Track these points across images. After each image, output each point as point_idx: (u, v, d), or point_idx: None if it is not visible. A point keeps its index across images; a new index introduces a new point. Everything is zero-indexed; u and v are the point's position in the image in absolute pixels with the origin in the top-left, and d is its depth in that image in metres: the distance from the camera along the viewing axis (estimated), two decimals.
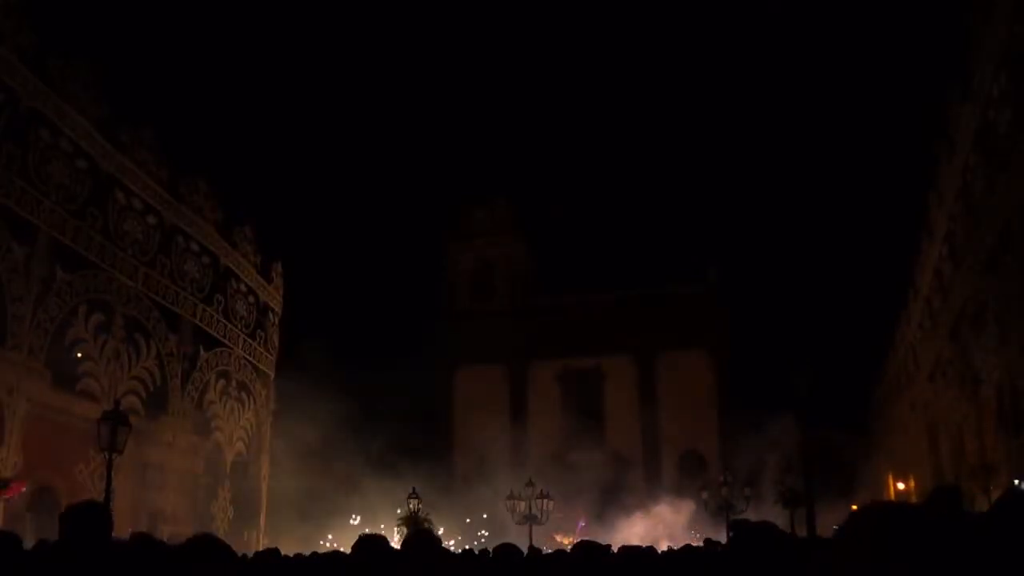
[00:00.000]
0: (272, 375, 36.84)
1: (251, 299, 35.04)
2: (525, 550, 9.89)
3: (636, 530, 39.79)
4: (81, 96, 23.87)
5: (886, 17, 77.09)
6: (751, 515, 29.86)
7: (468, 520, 45.02)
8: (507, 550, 8.63)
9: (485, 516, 44.94)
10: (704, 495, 36.44)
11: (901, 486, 41.78)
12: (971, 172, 26.15)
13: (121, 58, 42.26)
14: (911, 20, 63.82)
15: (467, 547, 20.51)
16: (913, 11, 64.71)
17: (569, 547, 8.79)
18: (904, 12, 74.06)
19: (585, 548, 7.37)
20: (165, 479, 27.61)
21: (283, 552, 11.00)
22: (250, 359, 34.67)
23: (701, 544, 13.57)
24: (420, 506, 35.70)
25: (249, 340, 34.61)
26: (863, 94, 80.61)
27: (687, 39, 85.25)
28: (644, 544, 15.08)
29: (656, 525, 41.84)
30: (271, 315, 37.27)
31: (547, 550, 12.11)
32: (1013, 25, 21.34)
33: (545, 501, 37.87)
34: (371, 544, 5.95)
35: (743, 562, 5.23)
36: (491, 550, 9.26)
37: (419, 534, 6.34)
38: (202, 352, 30.83)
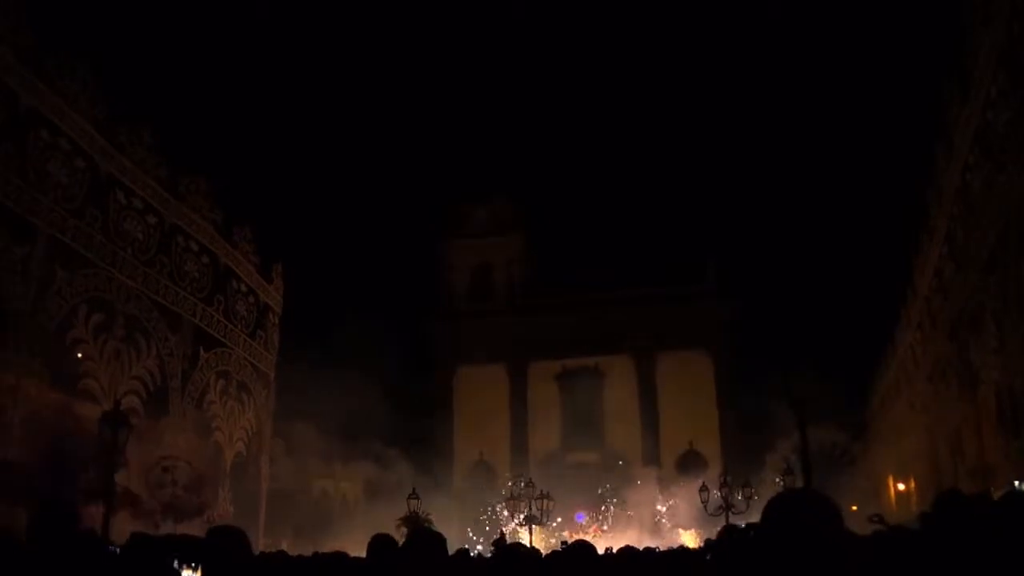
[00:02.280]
0: (272, 375, 36.84)
1: (251, 299, 35.04)
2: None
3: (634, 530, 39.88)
4: (80, 95, 23.86)
5: (885, 15, 77.00)
6: (751, 516, 29.88)
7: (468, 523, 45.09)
8: (513, 549, 8.63)
9: (485, 516, 45.02)
10: (703, 495, 36.46)
11: (901, 487, 41.75)
12: (970, 172, 26.13)
13: (120, 57, 42.20)
14: (910, 19, 63.66)
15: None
16: (912, 10, 64.60)
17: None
18: (903, 11, 73.97)
19: (583, 547, 7.39)
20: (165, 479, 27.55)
21: (285, 551, 11.04)
22: (250, 359, 34.67)
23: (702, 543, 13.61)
24: (420, 506, 35.81)
25: (249, 340, 34.62)
26: (863, 93, 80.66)
27: (688, 40, 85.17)
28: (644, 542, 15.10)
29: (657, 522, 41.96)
30: (271, 315, 37.26)
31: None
32: (1011, 24, 21.33)
33: (545, 501, 37.99)
34: (383, 544, 5.97)
35: (733, 562, 5.24)
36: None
37: (425, 533, 6.34)
38: (202, 352, 30.81)
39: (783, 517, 3.55)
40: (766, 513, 3.60)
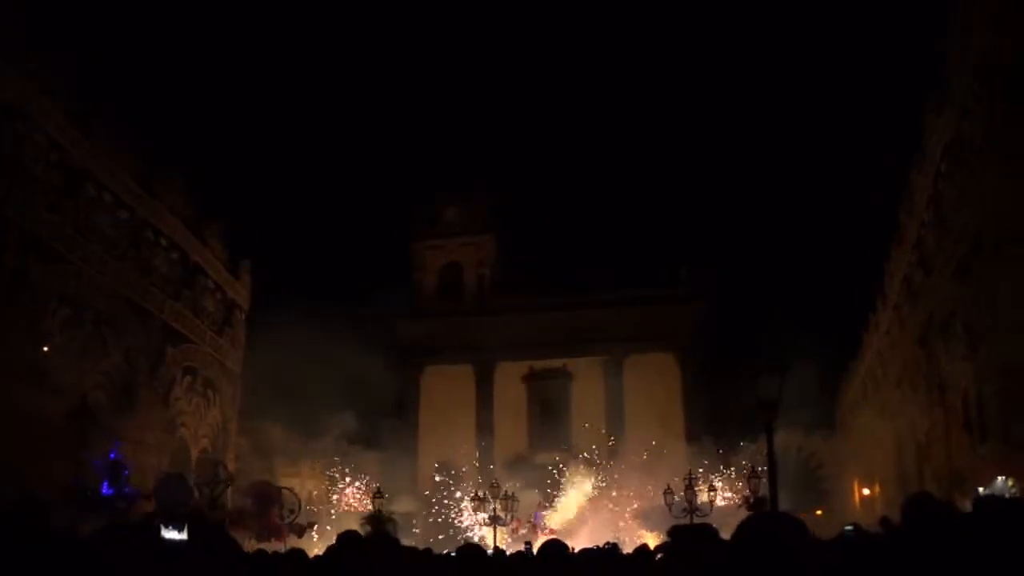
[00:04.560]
0: (238, 372, 36.68)
1: (219, 296, 34.91)
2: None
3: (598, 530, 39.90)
4: (55, 88, 23.64)
5: (864, 23, 77.51)
6: (715, 518, 29.93)
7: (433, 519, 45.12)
8: (471, 550, 8.60)
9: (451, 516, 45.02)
10: (668, 497, 36.48)
11: (867, 491, 41.99)
12: (942, 180, 26.30)
13: (97, 51, 41.89)
14: (888, 26, 64.21)
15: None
16: (891, 19, 65.07)
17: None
18: (882, 19, 74.54)
19: (547, 550, 7.38)
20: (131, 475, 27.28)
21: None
22: (217, 356, 34.54)
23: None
24: (385, 504, 35.78)
25: (216, 337, 34.49)
26: (836, 101, 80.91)
27: (663, 45, 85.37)
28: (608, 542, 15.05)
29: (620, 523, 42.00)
30: (238, 312, 37.12)
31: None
32: (988, 37, 21.50)
33: (511, 502, 38.03)
34: (349, 541, 5.91)
35: (685, 562, 5.25)
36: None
37: (378, 535, 6.34)
38: (169, 348, 30.60)
39: (755, 537, 3.59)
40: (740, 535, 3.64)
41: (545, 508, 44.22)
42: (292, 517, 33.03)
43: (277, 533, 31.31)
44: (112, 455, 25.31)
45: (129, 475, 24.96)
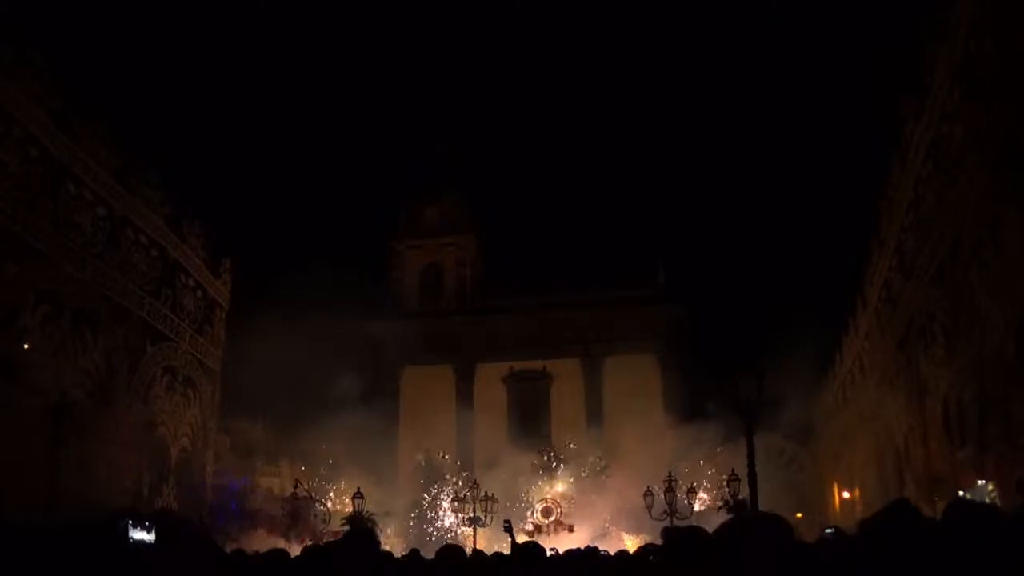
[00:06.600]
0: (218, 371, 36.57)
1: (199, 294, 34.77)
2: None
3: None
4: (35, 84, 23.51)
5: (844, 26, 77.55)
6: (695, 521, 29.94)
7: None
8: (449, 551, 8.59)
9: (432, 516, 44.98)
10: (648, 499, 36.51)
11: (847, 495, 42.04)
12: (922, 184, 26.31)
13: (74, 48, 41.71)
14: (869, 30, 64.31)
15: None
16: (871, 22, 65.21)
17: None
18: (863, 22, 74.67)
19: (534, 549, 7.34)
20: (109, 473, 27.19)
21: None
22: (196, 354, 34.41)
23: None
24: (364, 505, 35.75)
25: (196, 335, 34.36)
26: (819, 103, 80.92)
27: (637, 45, 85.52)
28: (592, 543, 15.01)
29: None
30: (218, 310, 37.00)
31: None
32: (968, 41, 21.52)
33: (490, 503, 38.02)
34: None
35: (675, 564, 5.22)
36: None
37: (356, 533, 6.32)
38: (148, 346, 30.49)
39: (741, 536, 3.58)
40: (725, 532, 3.62)
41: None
42: (325, 526, 36.79)
43: (299, 536, 35.66)
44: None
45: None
